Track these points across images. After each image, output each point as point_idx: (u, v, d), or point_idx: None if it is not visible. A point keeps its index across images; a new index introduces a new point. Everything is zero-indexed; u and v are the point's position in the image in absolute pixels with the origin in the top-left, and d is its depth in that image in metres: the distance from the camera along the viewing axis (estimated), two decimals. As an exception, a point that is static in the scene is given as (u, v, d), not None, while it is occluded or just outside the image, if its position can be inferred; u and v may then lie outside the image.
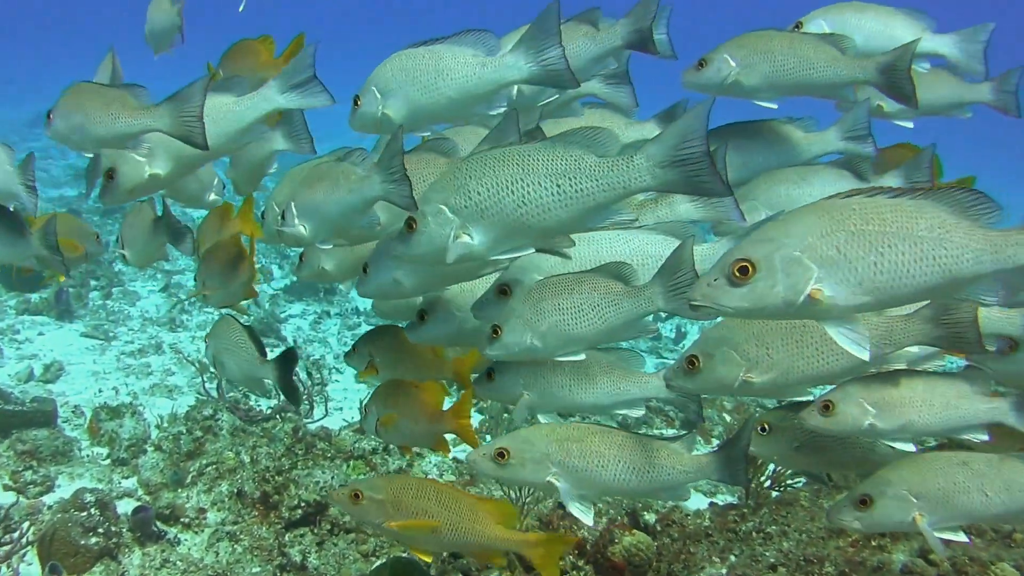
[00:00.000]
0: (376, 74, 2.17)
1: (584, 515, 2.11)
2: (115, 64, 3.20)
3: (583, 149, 1.80)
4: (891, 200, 1.55)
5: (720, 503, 4.12)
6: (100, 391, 5.72)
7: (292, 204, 2.19)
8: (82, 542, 3.26)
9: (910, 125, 2.67)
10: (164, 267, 8.28)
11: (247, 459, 4.04)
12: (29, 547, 3.36)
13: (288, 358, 2.65)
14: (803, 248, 1.53)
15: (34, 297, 7.34)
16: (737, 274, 1.55)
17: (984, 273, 1.57)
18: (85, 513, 3.37)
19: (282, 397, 5.22)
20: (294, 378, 2.63)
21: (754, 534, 3.11)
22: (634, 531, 3.01)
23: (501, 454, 2.06)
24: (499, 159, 1.83)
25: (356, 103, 2.20)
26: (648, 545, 2.99)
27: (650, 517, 3.80)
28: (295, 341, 7.22)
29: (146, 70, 3.38)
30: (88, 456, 4.55)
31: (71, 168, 14.23)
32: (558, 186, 1.80)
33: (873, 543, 2.98)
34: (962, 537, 2.09)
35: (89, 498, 3.45)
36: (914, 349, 2.21)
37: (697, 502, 4.74)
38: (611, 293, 2.03)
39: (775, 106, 2.53)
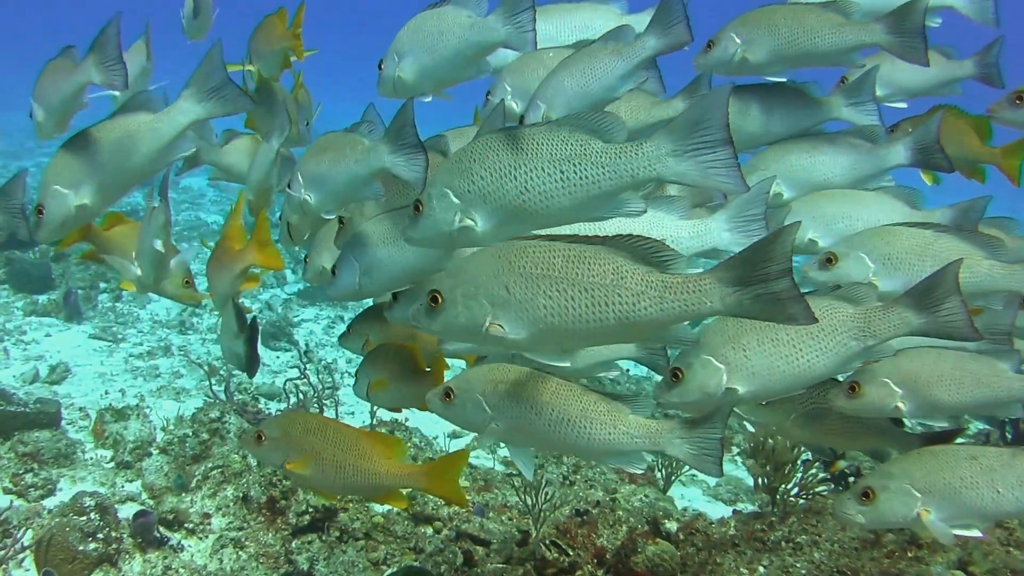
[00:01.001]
0: (396, 38, 2.21)
1: (525, 468, 2.00)
2: (148, 46, 3.20)
3: (589, 134, 1.71)
4: (565, 246, 1.64)
5: (743, 511, 3.97)
6: (106, 393, 5.61)
7: (299, 174, 2.19)
8: (80, 548, 3.13)
9: (904, 106, 2.63)
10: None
11: (254, 462, 3.90)
12: (26, 552, 3.24)
13: (252, 328, 2.66)
14: (478, 286, 1.65)
15: (42, 299, 7.26)
16: (431, 303, 1.68)
17: (667, 320, 1.60)
18: (84, 518, 3.23)
19: (291, 400, 5.13)
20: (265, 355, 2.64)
21: (783, 544, 2.95)
22: (657, 540, 2.87)
23: (447, 393, 1.97)
24: (503, 142, 1.75)
25: (380, 68, 2.24)
26: (672, 555, 2.84)
27: (672, 525, 3.66)
28: (307, 345, 7.11)
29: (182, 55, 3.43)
30: (92, 459, 4.42)
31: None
32: (561, 172, 1.70)
33: (909, 554, 2.83)
34: (976, 533, 1.99)
35: (89, 502, 3.31)
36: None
37: (720, 510, 4.59)
38: None
39: (784, 80, 2.50)
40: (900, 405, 2.08)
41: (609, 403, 1.93)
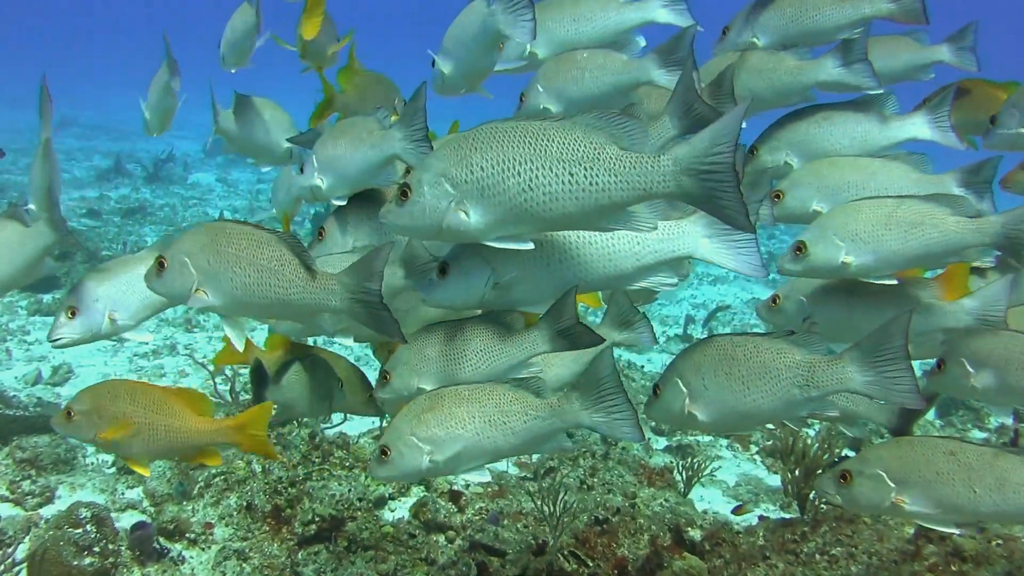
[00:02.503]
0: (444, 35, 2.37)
1: (480, 475, 1.98)
2: (171, 66, 3.39)
3: (606, 137, 1.61)
4: (252, 231, 1.87)
5: (770, 518, 3.80)
6: (110, 394, 5.46)
7: (312, 157, 2.22)
8: (75, 562, 2.97)
9: (880, 91, 2.58)
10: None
11: (258, 468, 3.75)
12: (19, 567, 3.09)
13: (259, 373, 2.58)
14: (190, 256, 1.84)
15: (46, 298, 7.13)
16: (157, 268, 1.87)
17: (309, 308, 1.87)
18: (80, 530, 3.07)
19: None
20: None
21: (817, 556, 2.78)
22: (685, 554, 2.70)
23: (383, 451, 1.96)
24: (510, 133, 1.63)
25: (433, 66, 2.38)
26: (700, 570, 2.68)
27: (695, 533, 3.49)
28: (315, 343, 6.95)
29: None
30: (92, 464, 4.26)
31: (94, 169, 14.17)
32: (571, 175, 1.61)
33: (953, 568, 2.66)
34: (953, 530, 1.98)
35: (85, 513, 3.14)
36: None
37: (745, 516, 4.42)
38: (496, 339, 2.01)
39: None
40: (975, 384, 2.16)
41: (515, 391, 1.94)
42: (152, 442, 2.20)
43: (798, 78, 2.50)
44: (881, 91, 2.49)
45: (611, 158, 1.59)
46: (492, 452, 1.93)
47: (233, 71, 3.43)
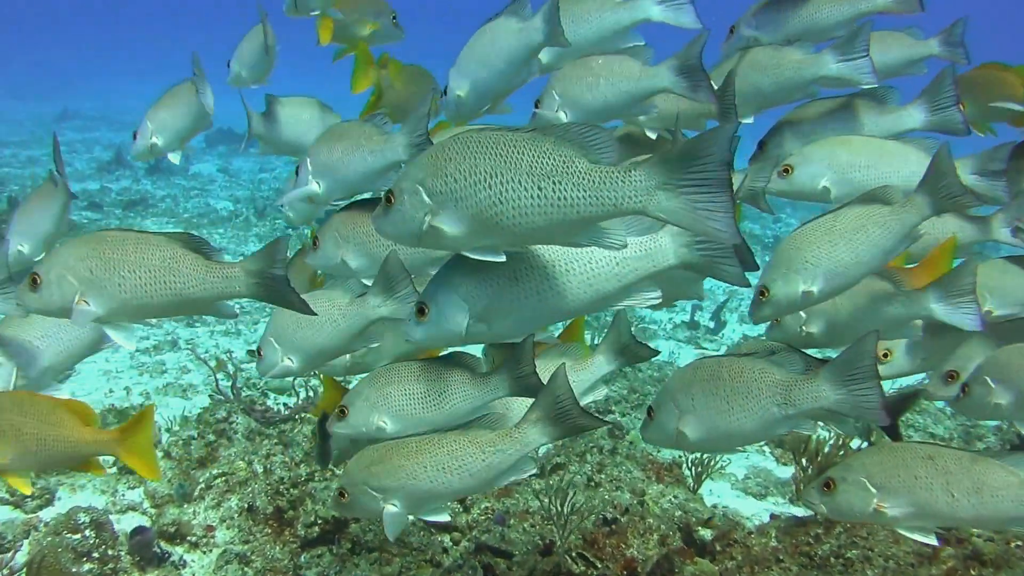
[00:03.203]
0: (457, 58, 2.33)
1: (438, 516, 2.03)
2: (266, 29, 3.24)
3: (576, 149, 1.57)
4: (137, 235, 1.88)
5: (782, 516, 3.74)
6: (111, 391, 5.42)
7: (307, 161, 2.20)
8: (74, 569, 2.92)
9: (875, 85, 2.59)
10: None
11: (260, 469, 3.68)
12: (20, 573, 3.04)
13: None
14: (65, 266, 1.83)
15: (47, 293, 7.07)
16: (31, 284, 1.84)
17: (211, 296, 1.90)
18: (78, 535, 3.03)
19: (301, 395, 4.93)
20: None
21: (832, 560, 2.72)
22: (696, 559, 2.64)
23: (341, 493, 2.02)
24: (482, 145, 1.61)
25: (444, 93, 2.34)
26: (712, 574, 2.61)
27: (706, 533, 3.42)
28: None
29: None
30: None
31: (94, 161, 14.12)
32: (539, 188, 1.57)
33: (972, 572, 2.59)
34: (932, 540, 1.97)
35: (83, 518, 3.09)
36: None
37: (751, 505, 4.36)
38: (458, 382, 2.04)
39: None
40: (1000, 402, 2.19)
41: (468, 434, 1.96)
42: (42, 453, 2.11)
43: (800, 73, 2.51)
44: (876, 86, 2.50)
45: (580, 172, 1.56)
46: (451, 495, 1.97)
47: (252, 87, 3.35)
